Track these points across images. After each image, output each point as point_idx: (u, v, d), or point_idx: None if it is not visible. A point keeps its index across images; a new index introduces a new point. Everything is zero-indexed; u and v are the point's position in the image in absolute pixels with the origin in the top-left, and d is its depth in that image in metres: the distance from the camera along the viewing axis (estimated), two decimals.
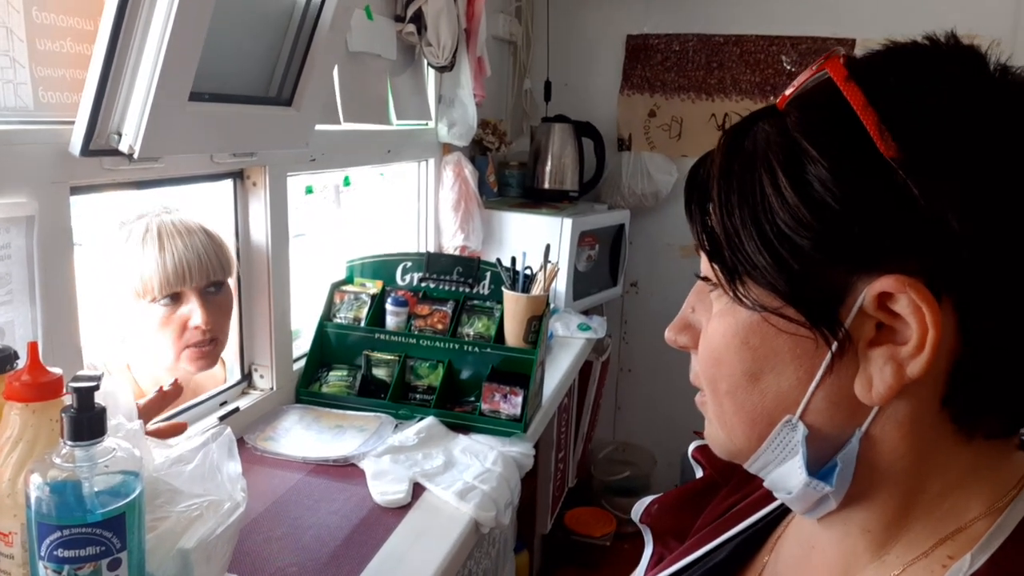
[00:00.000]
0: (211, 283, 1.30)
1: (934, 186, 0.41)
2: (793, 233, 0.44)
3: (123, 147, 0.97)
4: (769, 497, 0.63)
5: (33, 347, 0.70)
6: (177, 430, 1.02)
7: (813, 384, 0.46)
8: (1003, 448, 0.48)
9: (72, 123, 0.95)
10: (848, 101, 0.44)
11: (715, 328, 0.51)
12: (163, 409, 1.12)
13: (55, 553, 0.63)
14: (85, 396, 0.65)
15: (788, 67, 2.62)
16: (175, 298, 1.27)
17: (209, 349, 1.31)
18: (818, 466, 0.48)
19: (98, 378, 0.67)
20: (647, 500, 0.73)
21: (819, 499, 0.49)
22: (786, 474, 0.49)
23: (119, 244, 1.25)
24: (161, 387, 1.07)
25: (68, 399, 0.67)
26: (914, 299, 0.42)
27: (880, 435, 0.46)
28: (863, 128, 0.43)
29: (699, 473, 0.73)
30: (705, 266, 0.52)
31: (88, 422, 0.65)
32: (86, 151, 0.96)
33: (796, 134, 0.45)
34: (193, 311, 1.27)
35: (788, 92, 0.49)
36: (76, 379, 0.66)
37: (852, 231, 0.43)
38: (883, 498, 0.49)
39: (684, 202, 0.52)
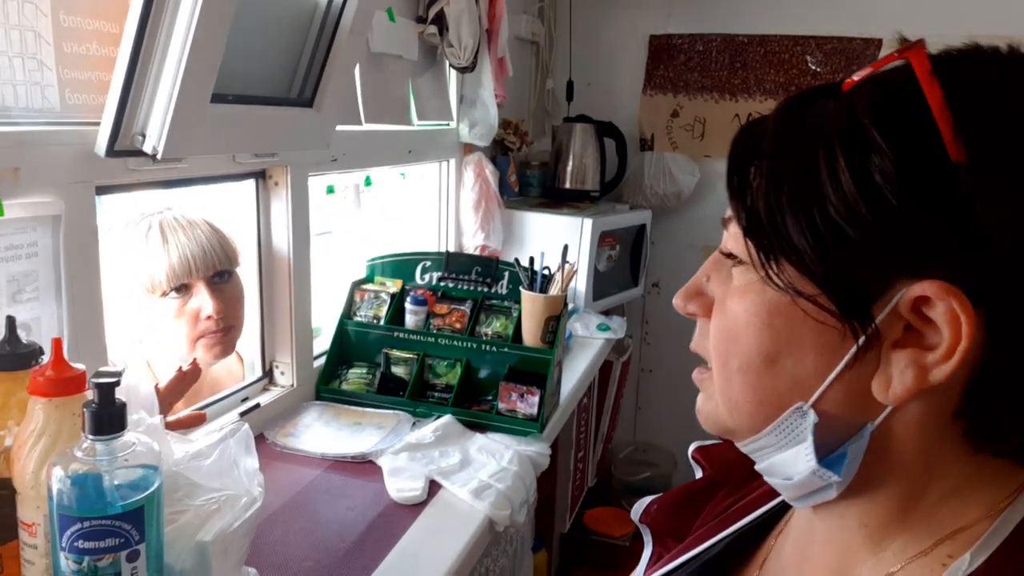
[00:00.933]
0: (217, 272, 1.32)
1: (996, 200, 0.40)
2: (843, 222, 0.43)
3: (147, 148, 0.99)
4: (768, 496, 0.64)
5: (57, 343, 0.72)
6: (197, 420, 1.04)
7: (832, 375, 0.46)
8: (1009, 463, 0.47)
9: (98, 124, 0.98)
10: (926, 97, 0.42)
11: (736, 304, 0.49)
12: (183, 392, 1.14)
13: (76, 544, 0.65)
14: (106, 391, 0.67)
15: (813, 67, 2.59)
16: (184, 290, 1.30)
17: (223, 336, 1.33)
18: (823, 455, 0.48)
19: (119, 374, 0.68)
20: (647, 500, 0.73)
21: (820, 488, 0.48)
22: (790, 460, 0.49)
23: (125, 244, 1.27)
24: (180, 367, 1.09)
25: (90, 394, 0.68)
26: (954, 308, 0.41)
27: (889, 433, 0.46)
28: (935, 128, 0.41)
29: (699, 474, 0.73)
30: (732, 241, 0.50)
31: (108, 417, 0.67)
32: (111, 152, 0.98)
33: (865, 120, 0.43)
34: (203, 301, 1.30)
35: (858, 76, 0.47)
36: (97, 375, 0.67)
37: (905, 230, 0.42)
38: (883, 495, 0.49)
39: (727, 170, 0.49)
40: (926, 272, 0.42)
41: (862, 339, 0.44)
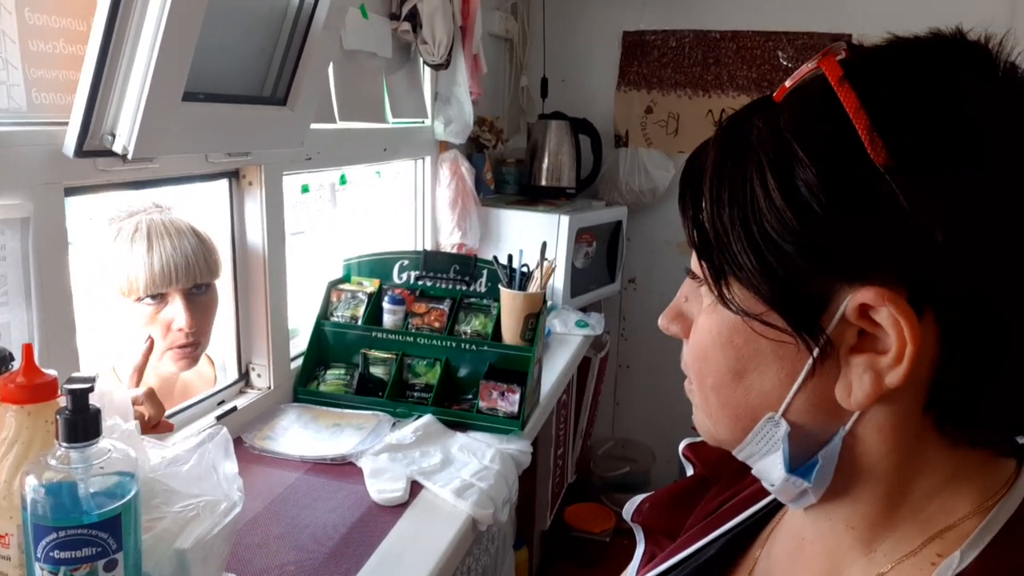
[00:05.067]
0: (196, 284, 1.30)
1: (923, 198, 0.40)
2: (779, 237, 0.43)
3: (117, 148, 0.97)
4: (760, 494, 0.64)
5: (28, 349, 0.70)
6: (164, 429, 1.03)
7: (795, 386, 0.46)
8: (990, 454, 0.48)
9: (66, 124, 0.95)
10: (841, 103, 0.42)
11: (703, 324, 0.51)
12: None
13: (51, 554, 0.63)
14: (79, 398, 0.65)
15: (785, 63, 2.61)
16: (160, 298, 1.27)
17: (191, 351, 1.31)
18: (802, 460, 0.48)
19: (92, 380, 0.67)
20: (638, 499, 0.73)
21: (799, 492, 0.49)
22: (769, 466, 0.50)
23: (108, 241, 1.24)
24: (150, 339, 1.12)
25: (63, 401, 0.67)
26: (893, 313, 0.41)
27: (862, 436, 0.47)
28: (855, 132, 0.42)
29: (690, 471, 0.73)
30: (695, 261, 0.51)
31: (83, 424, 0.65)
32: (80, 152, 0.96)
33: (787, 134, 0.44)
34: (177, 313, 1.27)
35: (787, 84, 0.48)
36: (71, 381, 0.66)
37: (837, 239, 0.42)
38: (866, 496, 0.49)
39: (679, 195, 0.51)
40: (867, 278, 0.42)
41: (816, 350, 0.45)
